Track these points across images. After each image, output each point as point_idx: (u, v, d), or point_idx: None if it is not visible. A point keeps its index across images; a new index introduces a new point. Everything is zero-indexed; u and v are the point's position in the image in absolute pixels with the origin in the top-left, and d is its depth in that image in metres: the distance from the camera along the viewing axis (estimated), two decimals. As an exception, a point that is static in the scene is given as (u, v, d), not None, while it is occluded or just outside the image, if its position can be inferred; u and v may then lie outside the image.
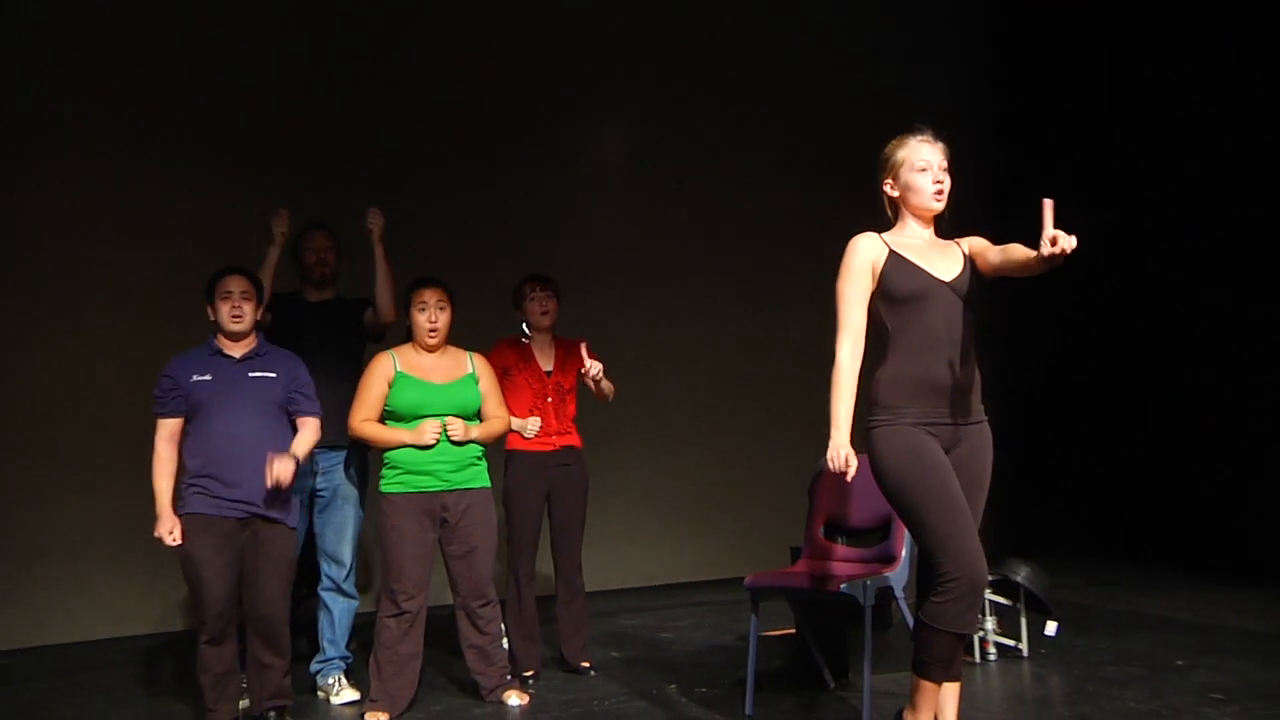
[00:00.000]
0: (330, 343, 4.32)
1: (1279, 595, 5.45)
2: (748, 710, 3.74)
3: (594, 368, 4.35)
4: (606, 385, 4.49)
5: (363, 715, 3.90)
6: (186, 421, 3.79)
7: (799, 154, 7.66)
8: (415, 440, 3.95)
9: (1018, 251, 2.86)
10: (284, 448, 3.84)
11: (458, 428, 4.00)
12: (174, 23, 6.38)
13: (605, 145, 7.35)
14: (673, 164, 7.39)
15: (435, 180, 6.81)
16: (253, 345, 3.86)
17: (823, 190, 7.45)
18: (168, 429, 3.79)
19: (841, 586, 3.57)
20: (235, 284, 3.82)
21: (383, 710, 3.89)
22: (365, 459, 4.41)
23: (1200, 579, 6.06)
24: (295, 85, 6.62)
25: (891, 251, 3.01)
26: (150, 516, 3.73)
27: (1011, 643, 4.44)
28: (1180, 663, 4.23)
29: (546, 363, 4.53)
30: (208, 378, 3.75)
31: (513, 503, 4.44)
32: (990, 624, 4.39)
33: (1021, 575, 4.38)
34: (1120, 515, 7.07)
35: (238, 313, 3.78)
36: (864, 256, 3.00)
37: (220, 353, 3.81)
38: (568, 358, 4.57)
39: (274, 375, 3.84)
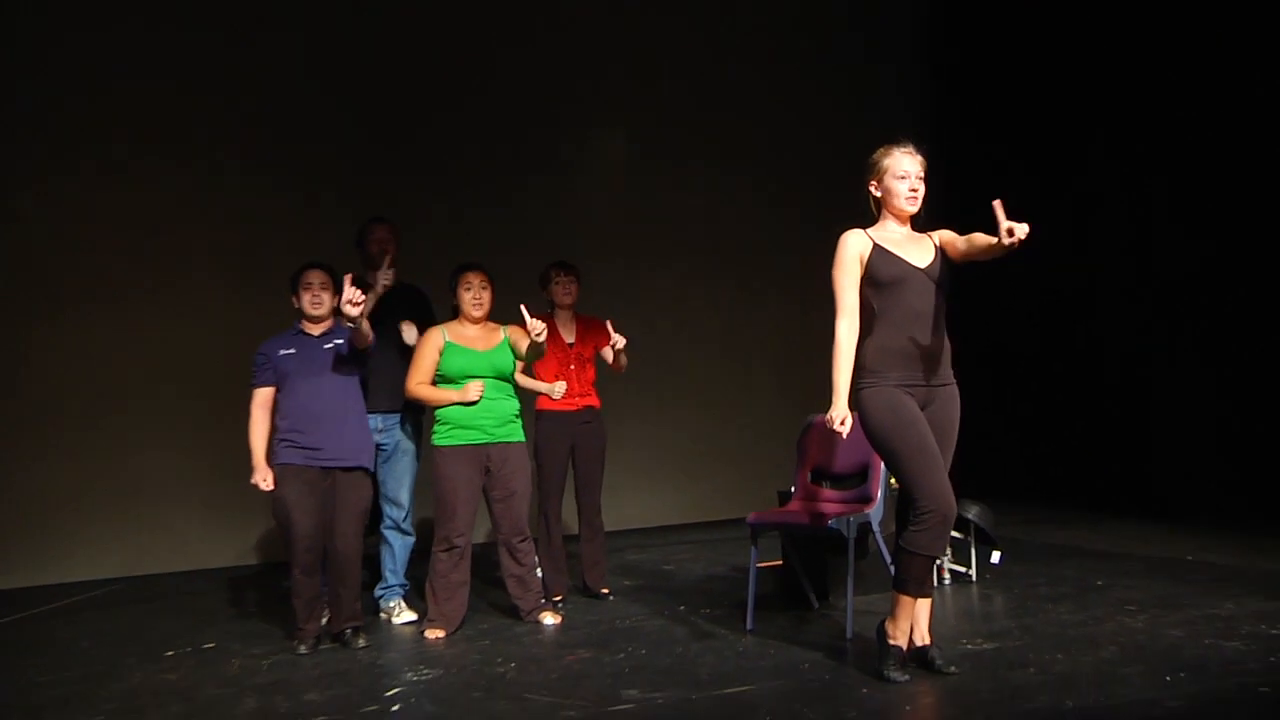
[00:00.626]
0: (390, 321, 4.39)
1: (1178, 527, 5.62)
2: (749, 626, 3.86)
3: (619, 341, 4.39)
4: (623, 358, 4.54)
5: (422, 632, 4.04)
6: (276, 391, 3.96)
7: (781, 148, 7.65)
8: (461, 398, 4.07)
9: (980, 240, 3.02)
10: (357, 409, 4.00)
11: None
12: (176, 21, 6.24)
13: (614, 144, 7.42)
14: (672, 159, 7.39)
15: (462, 176, 6.82)
16: (329, 326, 4.02)
17: (801, 181, 7.50)
18: (261, 397, 3.97)
19: (829, 522, 3.71)
20: (315, 277, 4.00)
21: (440, 628, 4.03)
22: (419, 418, 4.53)
23: (1116, 515, 6.20)
24: (326, 90, 6.56)
25: (875, 244, 3.16)
26: (236, 469, 3.92)
27: (963, 569, 4.58)
28: (1100, 583, 4.36)
29: (569, 335, 4.65)
30: (292, 351, 3.94)
31: (542, 455, 4.57)
32: (946, 554, 4.50)
33: (972, 513, 4.51)
34: (1052, 463, 7.18)
35: (317, 300, 3.96)
36: (853, 250, 3.15)
37: (302, 333, 3.99)
38: (587, 331, 4.68)
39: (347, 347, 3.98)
